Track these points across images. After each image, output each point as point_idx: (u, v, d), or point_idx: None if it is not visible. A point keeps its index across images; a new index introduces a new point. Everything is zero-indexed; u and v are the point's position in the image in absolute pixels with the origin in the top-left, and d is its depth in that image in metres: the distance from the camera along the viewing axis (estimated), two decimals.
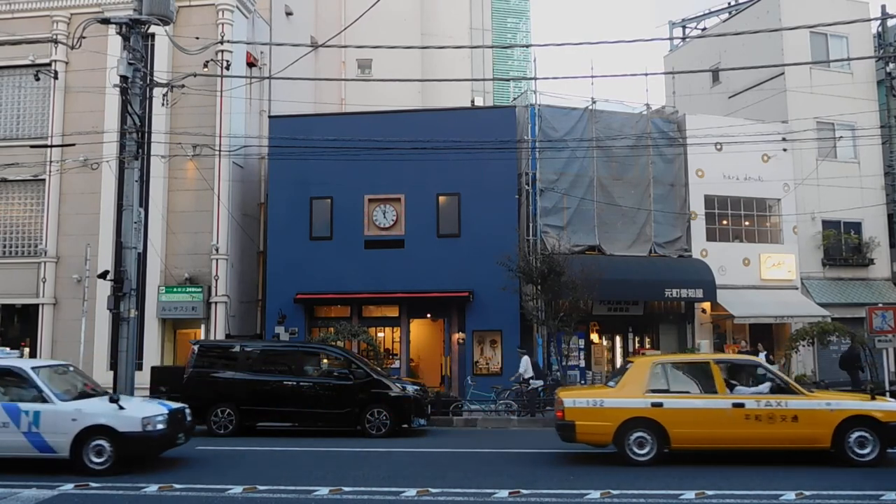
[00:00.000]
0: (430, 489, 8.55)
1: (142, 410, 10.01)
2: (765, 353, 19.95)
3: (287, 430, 15.01)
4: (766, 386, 10.41)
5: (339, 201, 20.72)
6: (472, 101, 27.20)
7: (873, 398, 10.40)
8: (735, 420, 9.94)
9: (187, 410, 10.94)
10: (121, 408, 9.78)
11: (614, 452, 10.32)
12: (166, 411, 10.19)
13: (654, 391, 10.32)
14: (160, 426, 9.92)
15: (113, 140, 19.63)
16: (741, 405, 9.98)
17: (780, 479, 9.08)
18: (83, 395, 10.46)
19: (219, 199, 20.55)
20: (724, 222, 22.68)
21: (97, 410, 9.83)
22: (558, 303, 18.08)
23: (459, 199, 20.50)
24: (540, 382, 18.26)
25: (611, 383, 11.33)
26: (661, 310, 22.21)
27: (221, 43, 20.20)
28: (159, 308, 20.21)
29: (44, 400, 9.77)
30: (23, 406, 9.72)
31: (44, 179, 21.05)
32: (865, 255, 23.53)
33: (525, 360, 17.83)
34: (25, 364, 10.44)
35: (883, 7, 23.52)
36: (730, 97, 26.06)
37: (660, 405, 10.11)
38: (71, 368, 11.61)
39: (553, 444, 12.65)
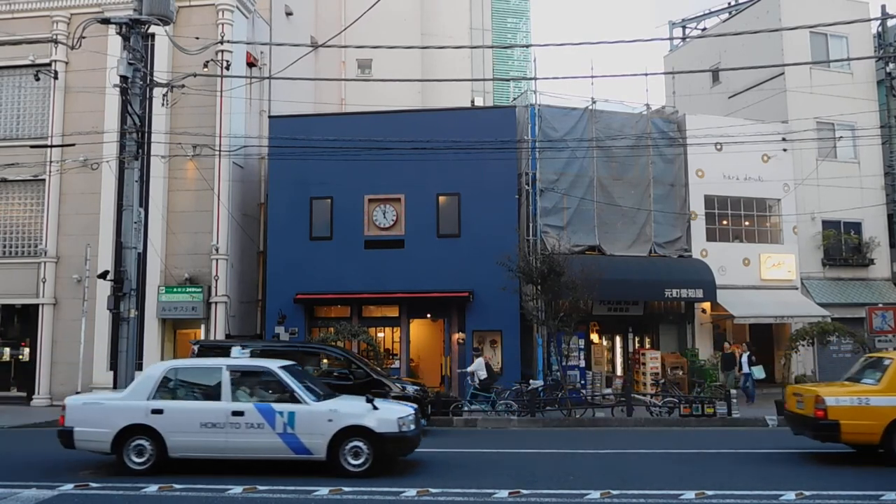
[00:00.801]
0: (430, 489, 8.55)
1: (394, 410, 9.81)
2: (748, 353, 19.84)
3: None
4: None
5: (339, 201, 20.71)
6: (472, 101, 27.19)
7: None
8: None
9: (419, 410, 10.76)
10: (375, 408, 9.56)
11: (617, 452, 10.29)
12: (412, 411, 10.01)
13: None
14: (412, 426, 9.76)
15: (113, 140, 19.64)
16: None
17: (779, 479, 9.09)
18: (324, 396, 10.18)
19: (219, 199, 20.55)
20: (724, 222, 22.68)
21: (353, 410, 9.62)
22: (558, 303, 18.07)
23: (459, 199, 20.49)
24: (540, 382, 18.30)
25: (867, 381, 10.67)
26: (661, 310, 22.21)
27: (221, 43, 20.20)
28: (159, 308, 20.21)
29: (296, 400, 9.56)
30: (276, 407, 9.50)
31: (44, 179, 21.04)
32: (865, 255, 23.53)
33: (479, 361, 17.82)
34: (273, 364, 10.24)
35: (883, 7, 23.53)
36: (730, 97, 26.06)
37: None
38: (299, 368, 11.25)
39: (553, 445, 12.63)
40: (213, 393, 9.81)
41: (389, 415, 9.58)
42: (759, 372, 19.54)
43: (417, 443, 10.08)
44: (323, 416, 9.44)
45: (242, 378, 10.01)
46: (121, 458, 9.60)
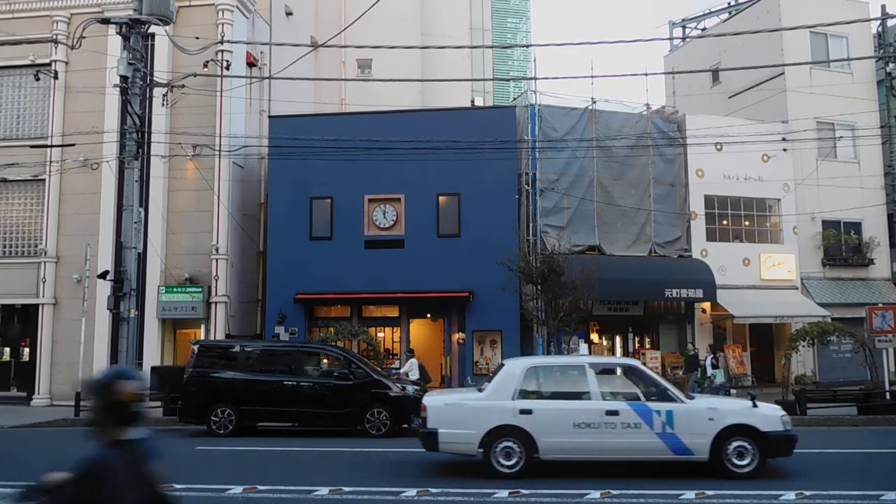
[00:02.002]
0: (430, 489, 8.55)
1: (775, 408, 9.49)
2: (712, 355, 19.57)
3: (287, 430, 15.01)
4: None
5: (339, 201, 20.71)
6: (472, 101, 27.19)
7: None
8: None
9: None
10: (755, 405, 9.24)
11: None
12: (784, 410, 9.69)
13: None
14: (791, 425, 9.37)
15: (113, 140, 19.64)
16: None
17: (779, 479, 9.09)
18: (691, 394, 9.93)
19: (219, 199, 20.55)
20: (724, 222, 22.68)
21: (734, 409, 9.33)
22: (558, 303, 18.06)
23: (459, 199, 20.49)
24: None
25: None
26: (661, 310, 22.20)
27: (221, 43, 20.19)
28: (159, 308, 20.20)
29: (669, 398, 9.21)
30: (653, 406, 9.12)
31: (44, 179, 21.04)
32: (865, 255, 23.52)
33: (412, 362, 17.39)
34: (635, 362, 9.94)
35: (883, 7, 23.53)
36: (730, 97, 26.05)
37: None
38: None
39: None
40: (579, 392, 9.41)
41: (773, 412, 9.29)
42: (719, 375, 19.37)
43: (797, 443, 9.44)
44: (703, 414, 9.10)
45: (605, 375, 9.72)
46: (488, 461, 9.16)
